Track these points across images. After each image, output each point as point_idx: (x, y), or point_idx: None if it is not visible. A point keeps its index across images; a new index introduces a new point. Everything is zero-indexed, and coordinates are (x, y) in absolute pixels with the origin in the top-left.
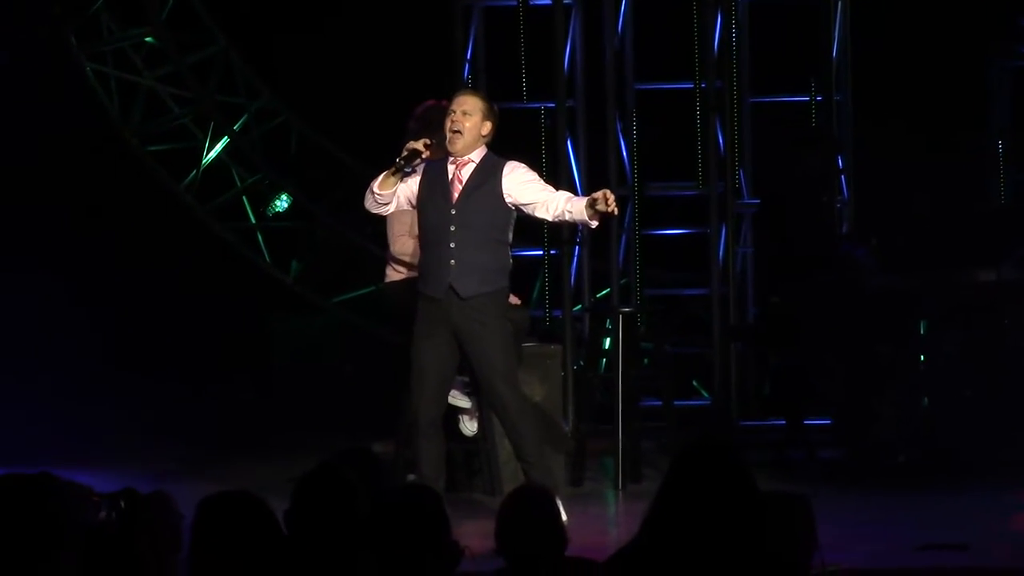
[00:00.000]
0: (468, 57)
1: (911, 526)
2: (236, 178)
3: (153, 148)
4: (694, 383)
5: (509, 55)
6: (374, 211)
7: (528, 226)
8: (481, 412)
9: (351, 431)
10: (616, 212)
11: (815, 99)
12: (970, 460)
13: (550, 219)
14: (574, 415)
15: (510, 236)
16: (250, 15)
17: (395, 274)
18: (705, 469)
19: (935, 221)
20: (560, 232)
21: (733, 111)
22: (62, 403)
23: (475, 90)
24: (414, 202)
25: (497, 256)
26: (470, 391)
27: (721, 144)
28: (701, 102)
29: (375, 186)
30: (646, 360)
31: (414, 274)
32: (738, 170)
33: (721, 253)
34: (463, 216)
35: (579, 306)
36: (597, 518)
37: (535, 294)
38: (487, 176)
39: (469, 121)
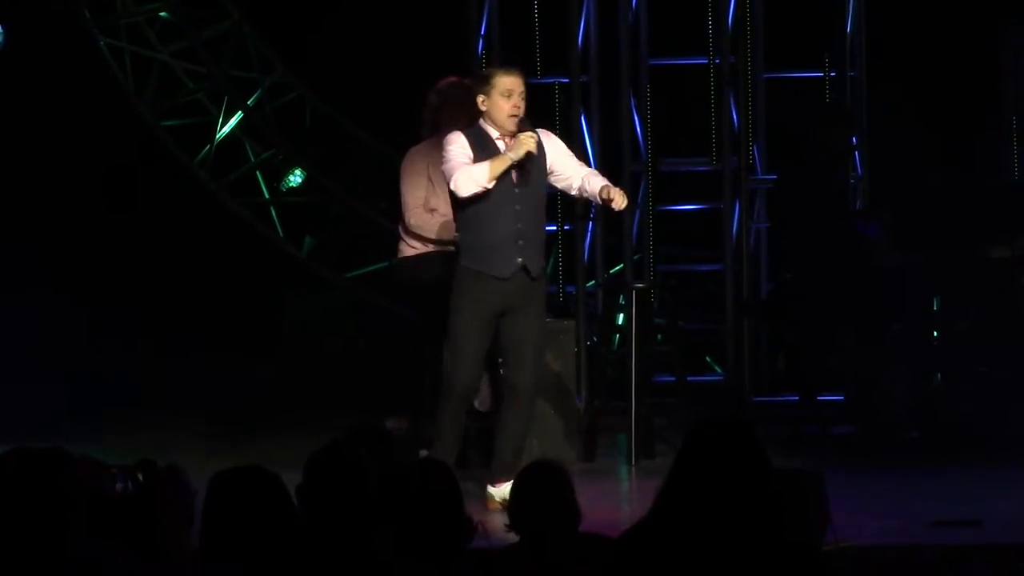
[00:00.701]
0: (482, 32)
1: (923, 502)
2: (250, 153)
3: (167, 123)
4: (707, 359)
5: (523, 30)
6: (469, 195)
7: None
8: (494, 388)
9: (364, 407)
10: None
11: (829, 74)
12: (983, 437)
13: (574, 192)
14: (587, 391)
15: None
16: None
17: (409, 249)
18: (718, 445)
19: (949, 197)
20: (574, 207)
21: (747, 87)
22: (73, 379)
23: (517, 69)
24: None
25: (544, 229)
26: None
27: (735, 120)
28: (715, 78)
29: (486, 180)
30: (659, 336)
31: (428, 248)
32: (752, 146)
33: (735, 229)
34: (525, 193)
35: (593, 282)
36: (610, 494)
37: (548, 270)
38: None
39: (524, 103)
